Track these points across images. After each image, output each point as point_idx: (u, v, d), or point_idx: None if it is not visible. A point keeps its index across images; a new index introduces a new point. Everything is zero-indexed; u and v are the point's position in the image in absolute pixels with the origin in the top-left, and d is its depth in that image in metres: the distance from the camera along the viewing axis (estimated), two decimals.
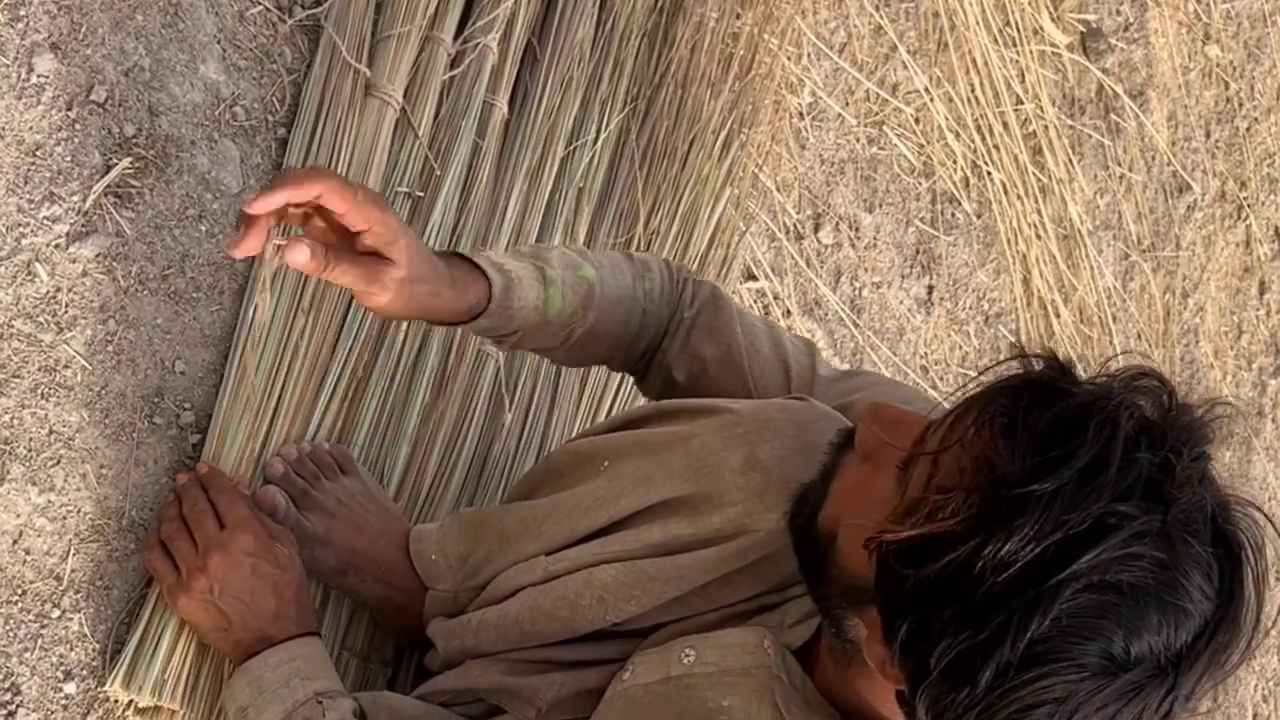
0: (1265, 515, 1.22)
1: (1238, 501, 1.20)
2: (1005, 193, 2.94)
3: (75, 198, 1.57)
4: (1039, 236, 3.01)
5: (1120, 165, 3.26)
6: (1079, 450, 1.13)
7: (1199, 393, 3.45)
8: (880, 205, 2.70)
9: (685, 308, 1.73)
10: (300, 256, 1.38)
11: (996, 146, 2.93)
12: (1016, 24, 3.01)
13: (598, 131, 2.14)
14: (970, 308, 2.86)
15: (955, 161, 2.84)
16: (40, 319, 1.54)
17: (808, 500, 1.37)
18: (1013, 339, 2.93)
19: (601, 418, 2.09)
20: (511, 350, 1.70)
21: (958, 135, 2.85)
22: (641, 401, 1.88)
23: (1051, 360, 1.24)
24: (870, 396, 1.58)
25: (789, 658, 1.42)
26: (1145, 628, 1.13)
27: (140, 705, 1.57)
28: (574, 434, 2.06)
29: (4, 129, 1.52)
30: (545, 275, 1.60)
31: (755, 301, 2.44)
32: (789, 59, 2.52)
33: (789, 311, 2.48)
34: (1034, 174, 3.01)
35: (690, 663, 1.45)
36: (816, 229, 2.57)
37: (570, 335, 1.65)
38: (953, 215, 2.84)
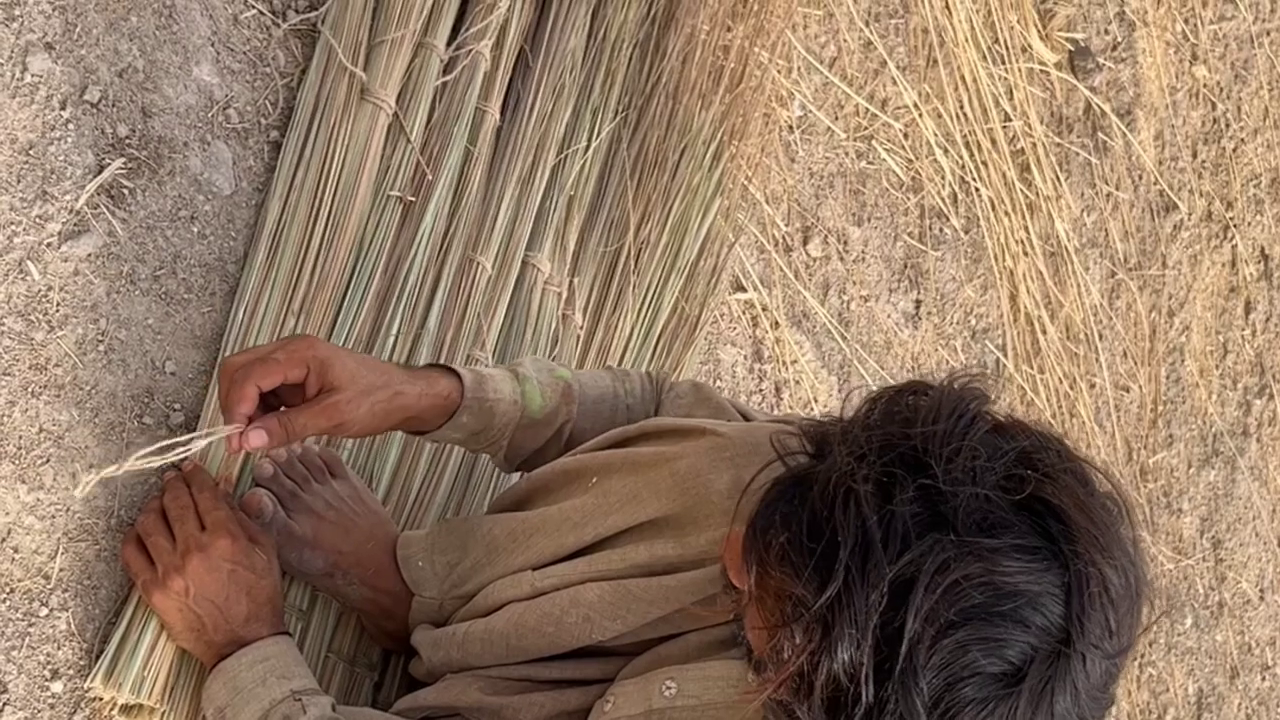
0: (1039, 434, 1.20)
1: (1021, 456, 1.17)
2: (993, 209, 2.95)
3: (68, 197, 1.58)
4: (1026, 253, 3.02)
5: (1107, 184, 3.27)
6: (840, 540, 1.13)
7: (1183, 410, 3.47)
8: (869, 219, 2.71)
9: (666, 393, 1.78)
10: (257, 440, 1.48)
11: (985, 163, 2.95)
12: (1005, 42, 3.03)
13: (589, 140, 2.15)
14: (957, 323, 2.87)
15: (943, 177, 2.85)
16: (32, 317, 1.54)
17: (740, 631, 1.39)
18: (999, 354, 2.95)
19: None
20: (512, 466, 1.74)
21: (946, 151, 2.86)
22: None
23: (805, 434, 1.26)
24: None
25: None
26: (1007, 635, 1.13)
27: (123, 703, 1.57)
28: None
29: None
30: (518, 374, 1.66)
31: (743, 313, 2.44)
32: (779, 72, 2.53)
33: (777, 323, 2.48)
34: (1022, 191, 3.02)
35: (672, 695, 1.45)
36: (805, 242, 2.58)
37: (561, 434, 1.69)
38: (941, 230, 2.85)
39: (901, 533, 1.12)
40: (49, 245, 1.56)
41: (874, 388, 1.28)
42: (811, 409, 2.53)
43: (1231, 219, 3.64)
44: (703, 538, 1.48)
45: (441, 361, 1.74)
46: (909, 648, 1.11)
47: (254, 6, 1.80)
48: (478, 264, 1.97)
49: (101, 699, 1.56)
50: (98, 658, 1.56)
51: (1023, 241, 3.01)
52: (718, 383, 2.39)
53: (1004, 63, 3.02)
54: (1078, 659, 1.14)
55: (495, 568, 1.65)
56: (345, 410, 1.50)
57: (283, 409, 1.51)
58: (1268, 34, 3.77)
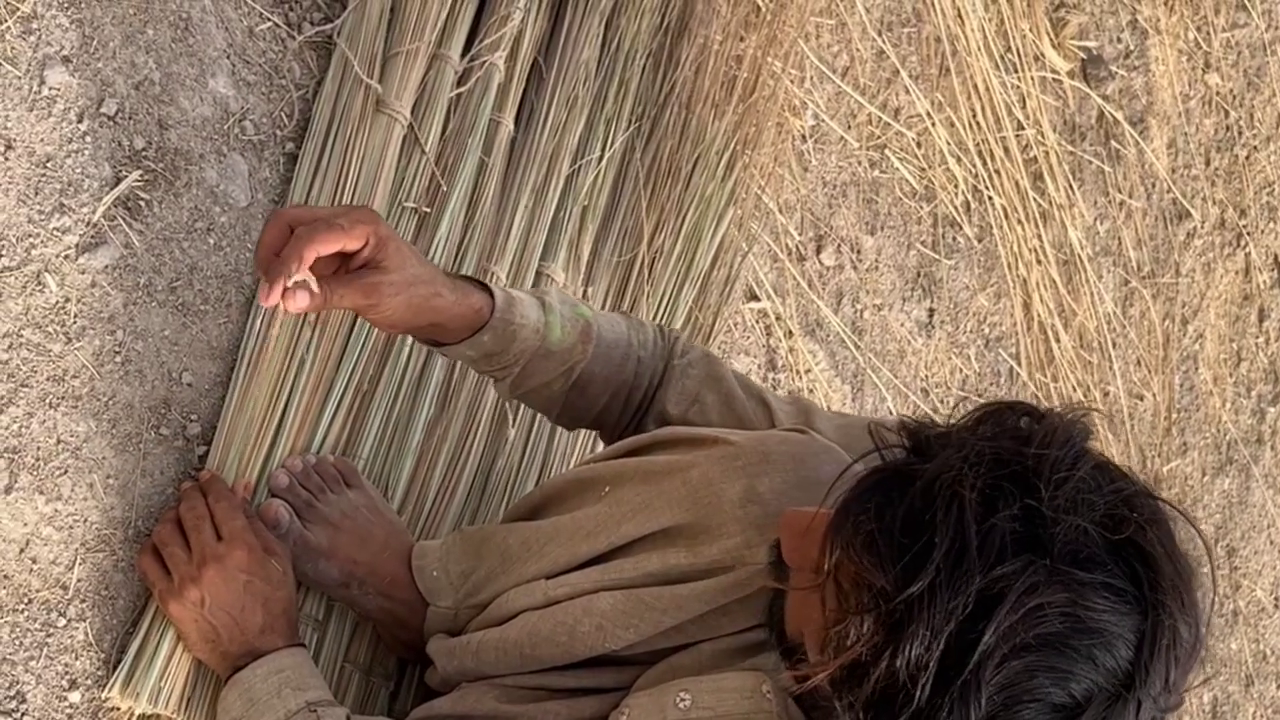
0: (1136, 479, 1.22)
1: (1123, 498, 1.18)
2: (1006, 217, 2.95)
3: (85, 209, 1.58)
4: (1039, 261, 3.02)
5: (1120, 192, 3.27)
6: (935, 540, 1.14)
7: (1196, 418, 3.46)
8: (882, 228, 2.71)
9: (677, 357, 1.75)
10: (301, 302, 1.46)
11: (997, 171, 2.95)
12: (1018, 50, 3.03)
13: (602, 150, 2.16)
14: (971, 331, 2.87)
15: (956, 185, 2.86)
16: (49, 329, 1.55)
17: (774, 613, 1.40)
18: (1012, 362, 2.95)
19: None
20: (514, 394, 1.70)
21: (959, 160, 2.86)
22: None
23: (907, 430, 1.26)
24: (856, 439, 1.58)
25: (791, 705, 1.42)
26: (1076, 670, 1.14)
27: (141, 713, 1.57)
28: (575, 456, 2.07)
29: (15, 140, 1.53)
30: (545, 302, 1.64)
31: (757, 322, 2.45)
32: (792, 82, 2.53)
33: (790, 332, 2.49)
34: (1035, 199, 3.02)
35: (686, 707, 1.45)
36: (818, 251, 2.59)
37: (571, 372, 1.67)
38: (954, 239, 2.85)
39: (998, 546, 1.13)
40: (66, 257, 1.56)
41: (982, 400, 1.29)
42: None
43: (1244, 227, 3.64)
44: (715, 547, 1.49)
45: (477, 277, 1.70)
46: (979, 660, 1.12)
47: (269, 19, 1.81)
48: (493, 274, 1.97)
49: (119, 709, 1.57)
50: (115, 668, 1.57)
51: (1036, 250, 3.01)
52: None
53: (1016, 71, 3.03)
54: (1133, 705, 1.16)
55: (509, 577, 1.65)
56: (386, 293, 1.49)
57: (321, 276, 1.49)
58: None
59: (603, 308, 2.16)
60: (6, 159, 1.53)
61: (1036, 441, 1.19)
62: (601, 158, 2.16)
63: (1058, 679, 1.13)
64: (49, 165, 1.56)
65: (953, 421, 1.26)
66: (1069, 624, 1.13)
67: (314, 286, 1.46)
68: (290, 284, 1.44)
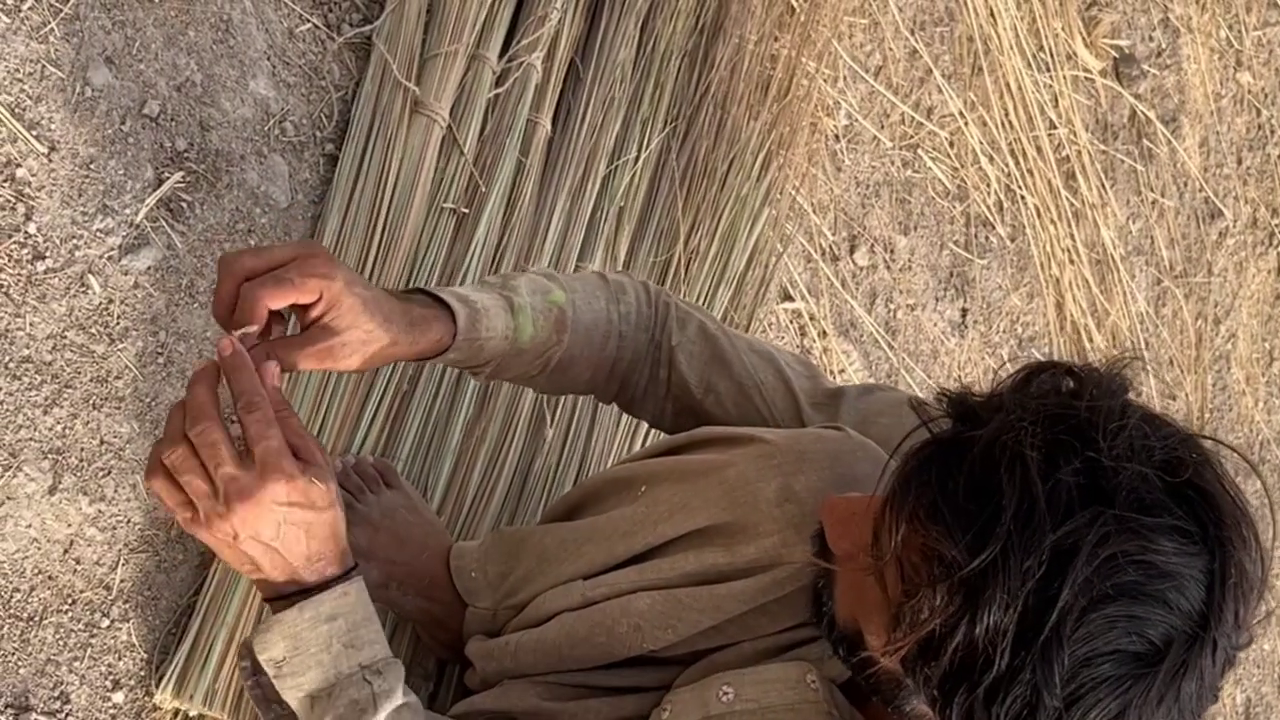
0: (1205, 436, 1.22)
1: (1177, 441, 1.19)
2: (1039, 217, 2.95)
3: (128, 211, 1.59)
4: (1072, 261, 3.01)
5: (1153, 191, 3.26)
6: (1003, 503, 1.14)
7: (1229, 418, 3.45)
8: (915, 228, 2.71)
9: (671, 334, 1.71)
10: (272, 375, 1.35)
11: (1030, 171, 2.94)
12: (1050, 49, 3.02)
13: (639, 151, 2.16)
14: (1004, 331, 2.86)
15: (989, 185, 2.85)
16: (93, 330, 1.55)
17: (821, 600, 1.39)
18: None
19: (641, 435, 2.10)
20: (489, 381, 1.66)
21: (991, 159, 2.86)
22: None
23: (947, 400, 1.25)
24: (890, 426, 1.57)
25: (837, 693, 1.42)
26: (1151, 617, 1.14)
27: (189, 714, 1.58)
28: (612, 456, 2.07)
29: (59, 142, 1.54)
30: (513, 304, 1.58)
31: (791, 322, 2.44)
32: (826, 82, 2.53)
33: (824, 332, 2.48)
34: (1067, 198, 3.01)
35: (730, 700, 1.44)
36: (852, 251, 2.58)
37: (548, 362, 1.63)
38: (986, 239, 2.85)
39: (1065, 501, 1.13)
40: (109, 259, 1.57)
41: (1023, 363, 1.29)
42: None
43: (1277, 225, 3.62)
44: (752, 547, 1.48)
45: (452, 288, 1.58)
46: (1058, 618, 1.12)
47: (309, 20, 1.81)
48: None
49: (161, 709, 1.57)
50: (158, 668, 1.57)
51: (1068, 249, 3.00)
52: None
53: (1049, 70, 3.02)
54: (1209, 645, 1.16)
55: (547, 577, 1.65)
56: (339, 354, 1.40)
57: (273, 336, 1.39)
58: None
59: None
60: (50, 160, 1.53)
61: (1086, 396, 1.19)
62: (638, 158, 2.16)
63: (1136, 626, 1.13)
64: (92, 167, 1.57)
65: (994, 387, 1.26)
66: (1141, 571, 1.13)
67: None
68: (239, 334, 1.34)
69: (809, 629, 1.49)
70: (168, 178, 1.63)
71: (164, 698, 1.56)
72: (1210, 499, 1.17)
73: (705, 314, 1.74)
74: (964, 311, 2.79)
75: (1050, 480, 1.13)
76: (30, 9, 1.53)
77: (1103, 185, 3.11)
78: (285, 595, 1.37)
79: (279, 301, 1.37)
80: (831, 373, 2.49)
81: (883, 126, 2.67)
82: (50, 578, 1.50)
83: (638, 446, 2.07)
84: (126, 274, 1.58)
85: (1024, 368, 1.25)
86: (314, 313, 1.39)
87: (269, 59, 1.76)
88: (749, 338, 1.74)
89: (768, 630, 1.50)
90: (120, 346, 1.57)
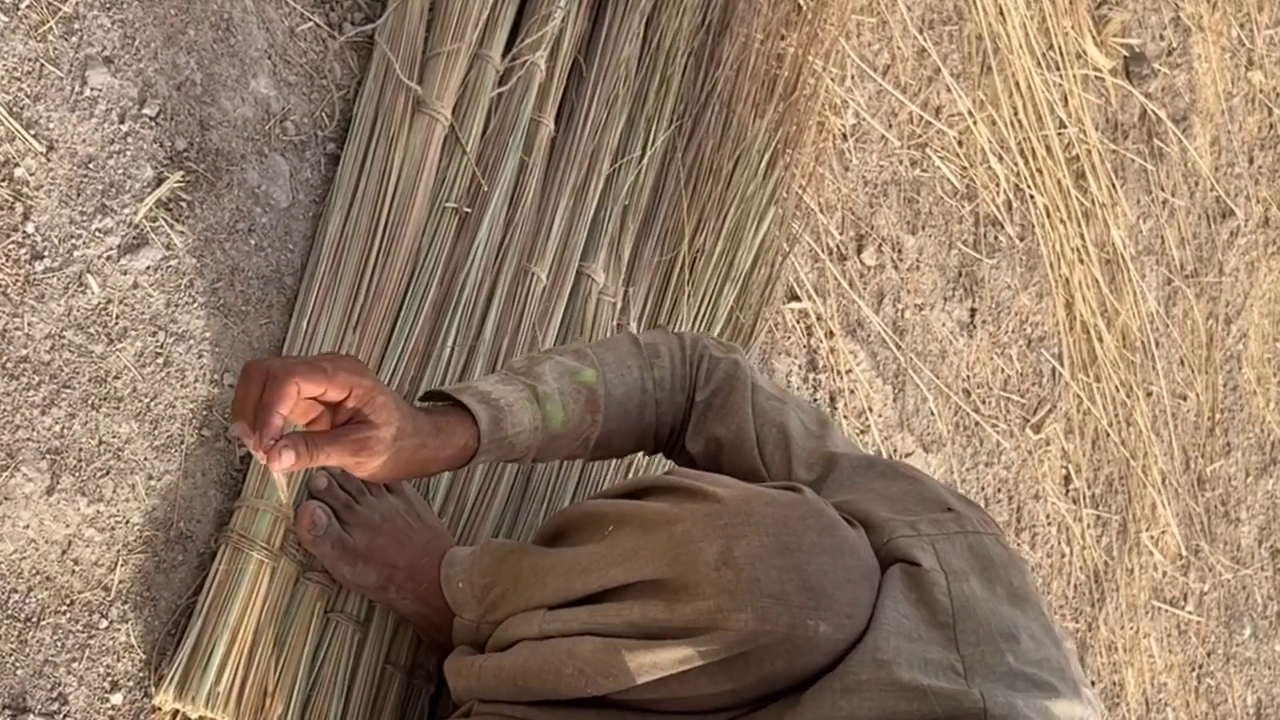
0: None
1: None
2: (1048, 216, 2.93)
3: (127, 210, 1.58)
4: (1082, 260, 3.00)
5: (1163, 190, 3.25)
6: None
7: (1240, 419, 3.43)
8: (923, 227, 2.69)
9: (700, 389, 1.70)
10: (287, 460, 1.40)
11: (1039, 170, 2.93)
12: (1060, 48, 3.01)
13: (643, 150, 2.15)
14: (1013, 331, 2.85)
15: (998, 184, 2.84)
16: (91, 330, 1.54)
17: None
18: (1054, 362, 2.92)
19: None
20: (534, 464, 1.71)
21: (1000, 158, 2.84)
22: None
23: None
24: (867, 502, 1.53)
25: None
26: None
27: (189, 716, 1.57)
28: (613, 466, 2.05)
29: (57, 141, 1.53)
30: (537, 393, 1.59)
31: (798, 322, 2.43)
32: (833, 80, 2.52)
33: (831, 333, 2.47)
34: (1077, 198, 3.00)
35: None
36: (859, 250, 2.57)
37: (587, 442, 1.65)
38: (995, 238, 2.83)
39: None
40: (108, 258, 1.56)
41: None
42: (866, 418, 2.51)
43: None
44: (689, 607, 1.41)
45: (474, 384, 1.65)
46: None
47: (310, 19, 1.81)
48: (533, 274, 1.96)
49: (161, 710, 1.57)
50: (157, 669, 1.56)
51: (1078, 249, 2.99)
52: None
53: (1059, 69, 3.00)
54: None
55: (518, 600, 1.62)
56: (375, 449, 1.46)
57: (306, 430, 1.46)
58: None
59: (643, 309, 2.15)
60: (49, 160, 1.53)
61: None
62: (642, 157, 2.15)
63: None
64: (91, 166, 1.56)
65: None
66: None
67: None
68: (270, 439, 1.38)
69: (746, 706, 1.45)
70: (167, 177, 1.62)
71: (164, 699, 1.55)
72: None
73: (734, 358, 1.74)
74: (972, 311, 2.77)
75: None
76: (28, 7, 1.53)
77: (1113, 184, 3.10)
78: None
79: (311, 386, 1.42)
80: (838, 373, 2.48)
81: (890, 125, 2.66)
82: (48, 578, 1.49)
83: (640, 461, 2.06)
84: (125, 274, 1.58)
85: None
86: (347, 409, 1.46)
87: (270, 58, 1.76)
88: (770, 386, 1.73)
89: (708, 690, 1.44)
90: (119, 346, 1.56)
